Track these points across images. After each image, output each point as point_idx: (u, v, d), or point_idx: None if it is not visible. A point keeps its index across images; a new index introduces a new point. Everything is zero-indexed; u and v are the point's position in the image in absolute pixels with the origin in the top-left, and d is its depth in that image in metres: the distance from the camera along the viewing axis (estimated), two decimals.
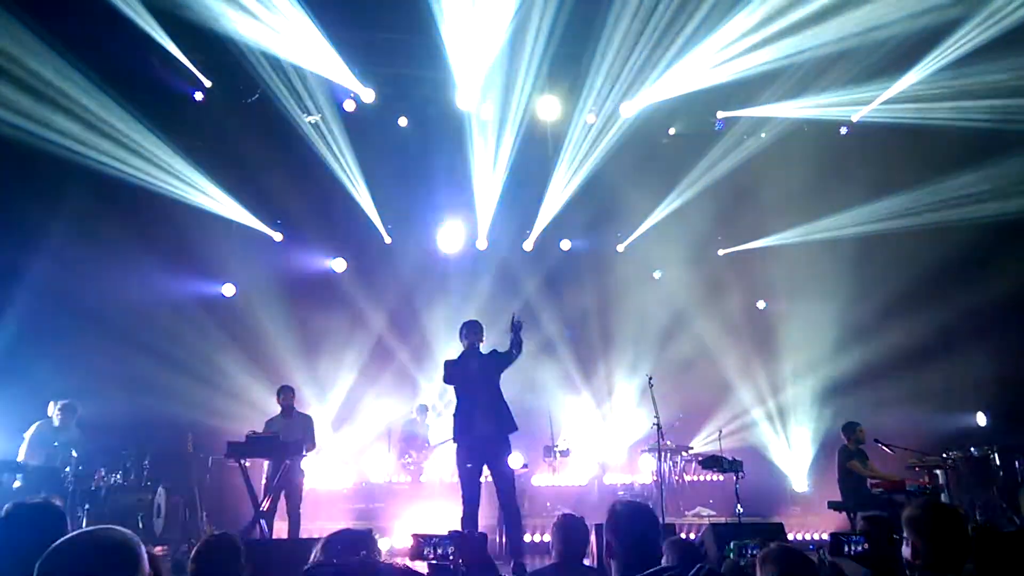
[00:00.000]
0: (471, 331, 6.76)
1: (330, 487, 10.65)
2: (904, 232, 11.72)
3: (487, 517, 7.05)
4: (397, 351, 12.70)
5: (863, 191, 11.89)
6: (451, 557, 3.01)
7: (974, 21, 9.45)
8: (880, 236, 12.00)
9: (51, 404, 8.31)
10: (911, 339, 11.70)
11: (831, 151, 12.02)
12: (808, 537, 8.89)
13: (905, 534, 2.86)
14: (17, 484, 7.58)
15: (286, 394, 8.54)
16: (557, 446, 10.41)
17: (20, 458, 7.88)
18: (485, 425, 6.52)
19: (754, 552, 3.62)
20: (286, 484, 7.81)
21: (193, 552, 3.60)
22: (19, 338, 9.30)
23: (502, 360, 6.69)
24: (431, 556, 3.01)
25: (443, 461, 10.83)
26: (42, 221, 9.91)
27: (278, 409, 8.53)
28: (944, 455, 9.17)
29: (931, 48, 9.97)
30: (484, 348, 6.85)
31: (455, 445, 6.69)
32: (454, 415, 6.74)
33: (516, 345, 6.54)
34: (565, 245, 13.70)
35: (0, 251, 9.35)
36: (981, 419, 11.82)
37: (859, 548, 3.51)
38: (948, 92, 10.34)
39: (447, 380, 6.72)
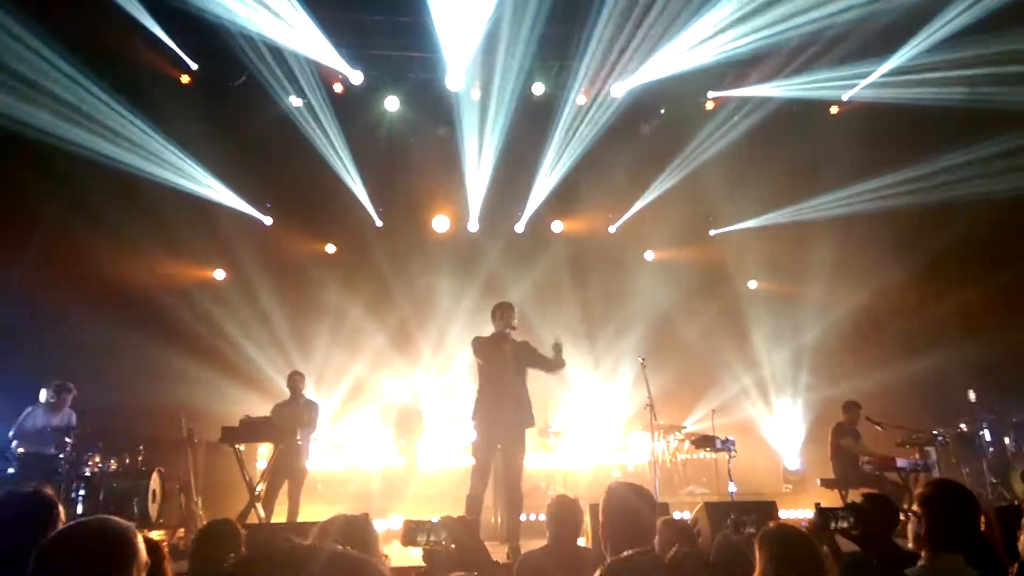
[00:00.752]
0: (505, 313, 6.42)
1: (326, 470, 10.70)
2: (895, 211, 11.75)
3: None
4: (389, 333, 12.68)
5: (853, 171, 11.90)
6: (443, 542, 3.01)
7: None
8: (870, 215, 12.02)
9: (44, 390, 8.30)
10: (901, 316, 11.78)
11: (821, 131, 11.99)
12: (800, 515, 8.96)
13: (915, 511, 2.88)
14: (11, 470, 7.58)
15: (295, 379, 8.44)
16: (551, 427, 10.46)
17: (12, 442, 7.87)
18: (511, 412, 6.34)
19: (751, 530, 3.62)
20: (287, 468, 7.82)
21: (194, 537, 3.64)
22: (13, 323, 9.27)
23: (538, 358, 6.48)
24: (423, 542, 3.01)
25: (438, 443, 10.89)
26: (31, 207, 9.85)
27: (278, 394, 8.53)
28: (934, 432, 9.24)
29: (922, 26, 9.92)
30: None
31: (474, 426, 6.41)
32: (478, 396, 6.48)
33: (559, 363, 6.41)
34: (556, 226, 13.69)
35: None
36: (971, 395, 11.91)
37: (844, 523, 3.50)
38: (938, 70, 10.31)
39: (479, 356, 6.43)
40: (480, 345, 6.45)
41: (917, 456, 8.96)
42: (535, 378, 6.64)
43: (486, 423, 6.36)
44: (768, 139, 12.08)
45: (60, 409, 8.24)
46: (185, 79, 10.83)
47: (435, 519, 3.07)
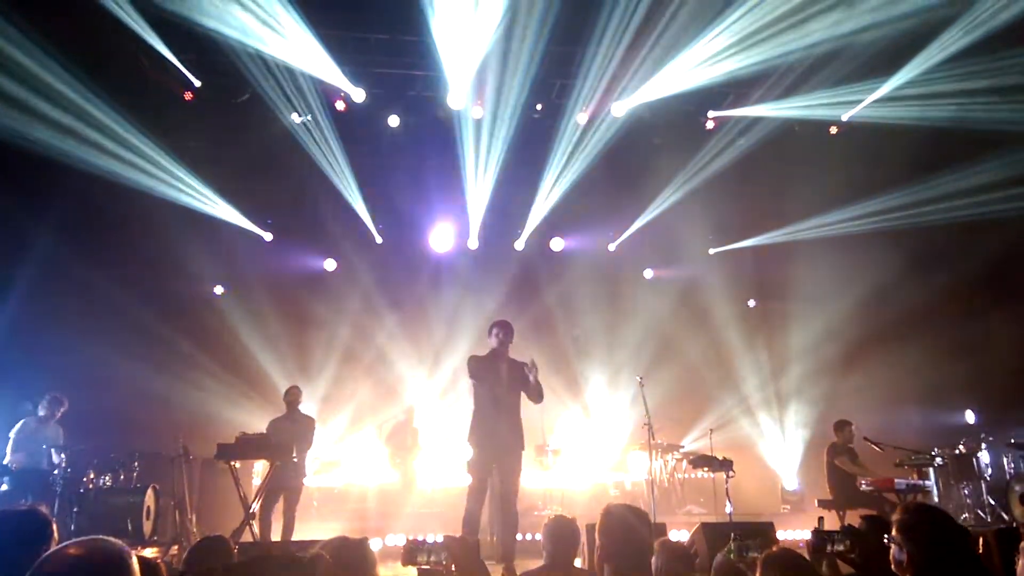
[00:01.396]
0: (503, 331, 6.32)
1: (321, 487, 10.64)
2: (894, 231, 11.79)
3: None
4: (386, 351, 12.66)
5: (853, 190, 11.95)
6: (444, 562, 3.00)
7: (964, 21, 9.48)
8: (868, 235, 12.06)
9: (41, 404, 8.29)
10: (899, 336, 11.78)
11: (821, 150, 12.05)
12: (798, 536, 8.91)
13: (894, 537, 2.82)
14: (3, 487, 7.54)
15: (293, 393, 8.35)
16: (548, 446, 10.41)
17: (7, 458, 7.85)
18: (507, 431, 6.25)
19: (755, 554, 3.59)
20: (283, 485, 7.76)
21: (186, 554, 3.60)
22: (7, 340, 9.25)
23: (526, 384, 6.35)
24: (423, 561, 3.00)
25: (434, 461, 10.83)
26: (29, 222, 9.86)
27: (275, 411, 8.49)
28: (933, 453, 9.21)
29: (921, 48, 10.00)
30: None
31: (470, 446, 6.32)
32: (473, 415, 6.38)
33: (538, 391, 6.34)
34: (556, 244, 13.72)
35: None
36: (970, 416, 11.90)
37: (840, 547, 3.47)
38: (934, 92, 10.38)
39: (473, 376, 6.31)
40: (475, 364, 6.36)
41: (915, 477, 8.93)
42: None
43: (482, 442, 6.28)
44: (768, 158, 12.12)
45: (50, 422, 8.25)
46: (188, 96, 10.87)
47: (431, 537, 3.06)
